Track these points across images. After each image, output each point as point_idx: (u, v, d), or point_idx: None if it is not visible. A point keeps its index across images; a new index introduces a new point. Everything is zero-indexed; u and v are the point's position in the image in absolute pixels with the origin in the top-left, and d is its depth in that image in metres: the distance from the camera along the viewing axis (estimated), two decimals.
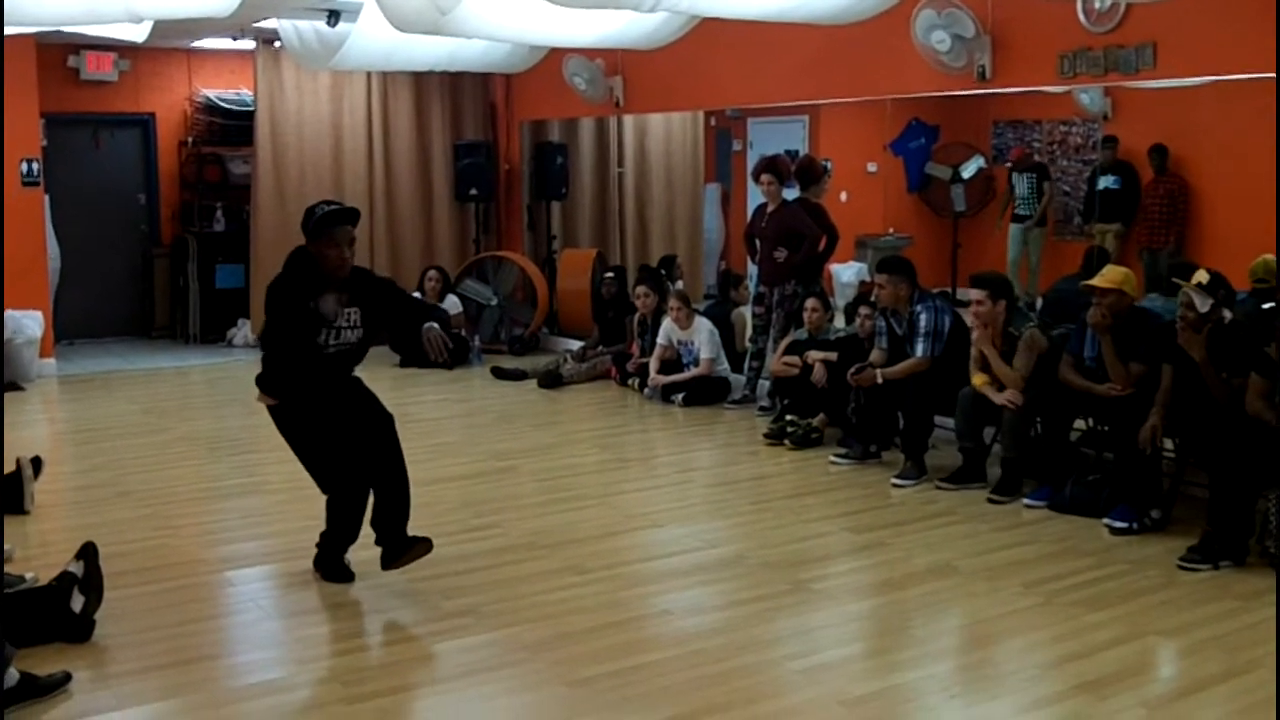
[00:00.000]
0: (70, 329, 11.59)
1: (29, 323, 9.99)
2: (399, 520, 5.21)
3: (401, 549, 5.19)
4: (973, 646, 4.77)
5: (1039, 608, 4.97)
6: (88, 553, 4.76)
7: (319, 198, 11.26)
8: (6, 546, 5.57)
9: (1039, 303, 10.79)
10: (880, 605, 5.17)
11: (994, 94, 8.09)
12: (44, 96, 10.43)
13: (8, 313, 9.90)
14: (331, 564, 5.31)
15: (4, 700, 3.98)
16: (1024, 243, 11.82)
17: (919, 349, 6.97)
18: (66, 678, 4.21)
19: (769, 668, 4.39)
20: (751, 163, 10.07)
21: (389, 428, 5.22)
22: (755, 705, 4.08)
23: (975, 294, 6.52)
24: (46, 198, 10.84)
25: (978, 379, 6.56)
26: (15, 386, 9.80)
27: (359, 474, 5.19)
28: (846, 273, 12.12)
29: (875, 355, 7.19)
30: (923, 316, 6.97)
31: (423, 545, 5.20)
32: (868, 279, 11.28)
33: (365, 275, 5.37)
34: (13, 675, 4.03)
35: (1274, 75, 5.91)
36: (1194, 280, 5.65)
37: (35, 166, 10.12)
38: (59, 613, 4.61)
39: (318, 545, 5.37)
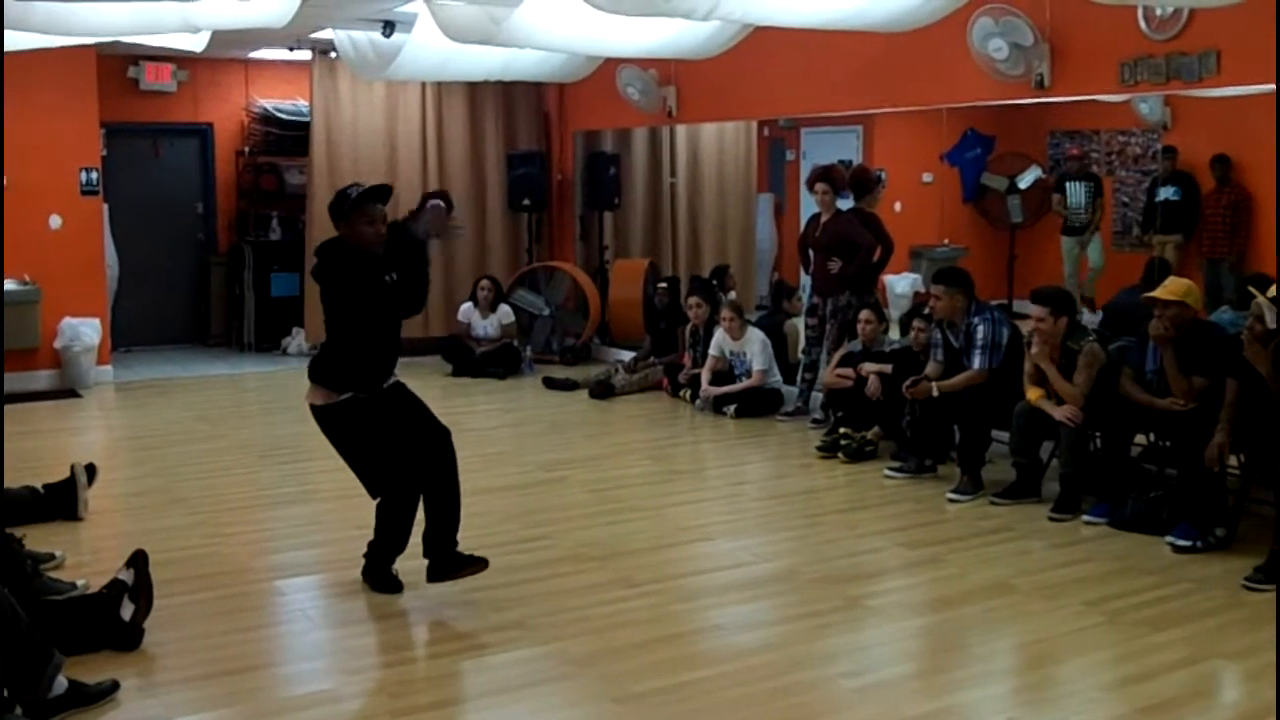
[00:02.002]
0: (128, 336, 11.69)
1: (86, 330, 10.08)
2: (449, 533, 5.18)
3: (454, 566, 5.17)
4: (1031, 667, 4.66)
5: (1099, 628, 4.86)
6: (138, 561, 4.76)
7: None
8: (58, 553, 5.62)
9: (1085, 315, 10.65)
10: (936, 623, 5.07)
11: (1052, 103, 7.95)
12: (104, 106, 10.53)
13: (66, 320, 10.01)
14: (380, 574, 5.28)
15: (53, 708, 3.98)
16: (1078, 255, 11.66)
17: (976, 361, 6.86)
18: (115, 686, 4.21)
19: (821, 685, 4.32)
20: (805, 173, 10.00)
21: (447, 440, 5.19)
22: None
23: (1036, 310, 6.39)
24: (106, 207, 10.95)
25: (1033, 393, 6.44)
26: (73, 393, 9.89)
27: (413, 480, 5.16)
28: (901, 284, 12.01)
29: (931, 368, 7.08)
30: (980, 329, 6.86)
31: (478, 565, 5.19)
32: (922, 290, 11.18)
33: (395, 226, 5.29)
34: (61, 683, 4.02)
35: None
36: (1269, 293, 5.50)
37: (95, 176, 10.21)
38: (109, 620, 4.61)
39: (365, 555, 5.34)
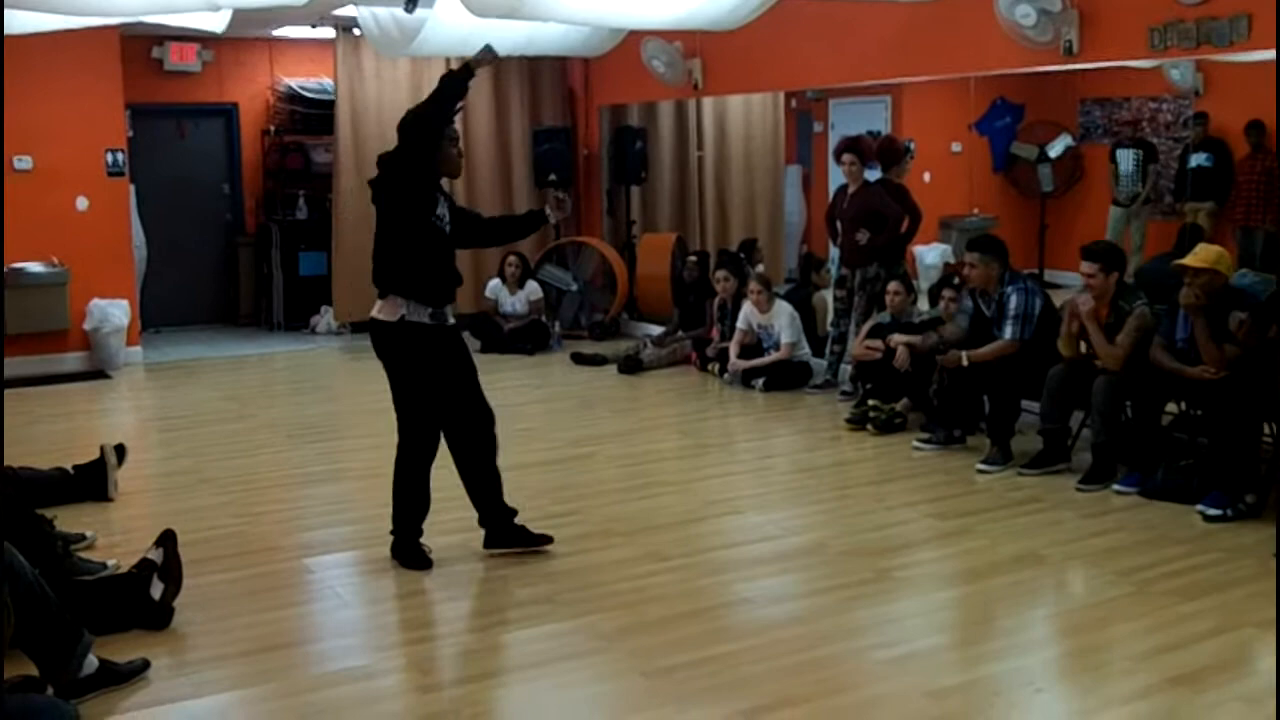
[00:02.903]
0: (157, 317, 11.74)
1: (115, 311, 10.13)
2: (496, 499, 5.32)
3: (516, 539, 5.32)
4: (1061, 637, 4.62)
5: (1130, 597, 4.82)
6: (167, 540, 4.78)
7: None
8: (88, 534, 5.65)
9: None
10: (965, 594, 5.04)
11: (1081, 70, 7.84)
12: (129, 88, 10.56)
13: (94, 301, 10.06)
14: (409, 550, 5.29)
15: (83, 687, 4.00)
16: (1124, 229, 11.51)
17: (1008, 331, 6.80)
18: (145, 665, 4.22)
19: (851, 658, 4.29)
20: (833, 144, 9.92)
21: (489, 422, 5.31)
22: (837, 696, 3.99)
23: (1087, 267, 6.30)
24: (133, 188, 10.99)
25: (1065, 348, 6.37)
26: (102, 375, 9.95)
27: (434, 431, 5.21)
28: (930, 255, 11.94)
29: (949, 329, 7.02)
30: (1013, 299, 6.78)
31: (540, 540, 5.33)
32: (952, 261, 11.10)
33: None
34: (91, 662, 4.04)
35: None
36: None
37: (120, 157, 10.24)
38: (139, 600, 4.63)
39: (392, 533, 5.34)
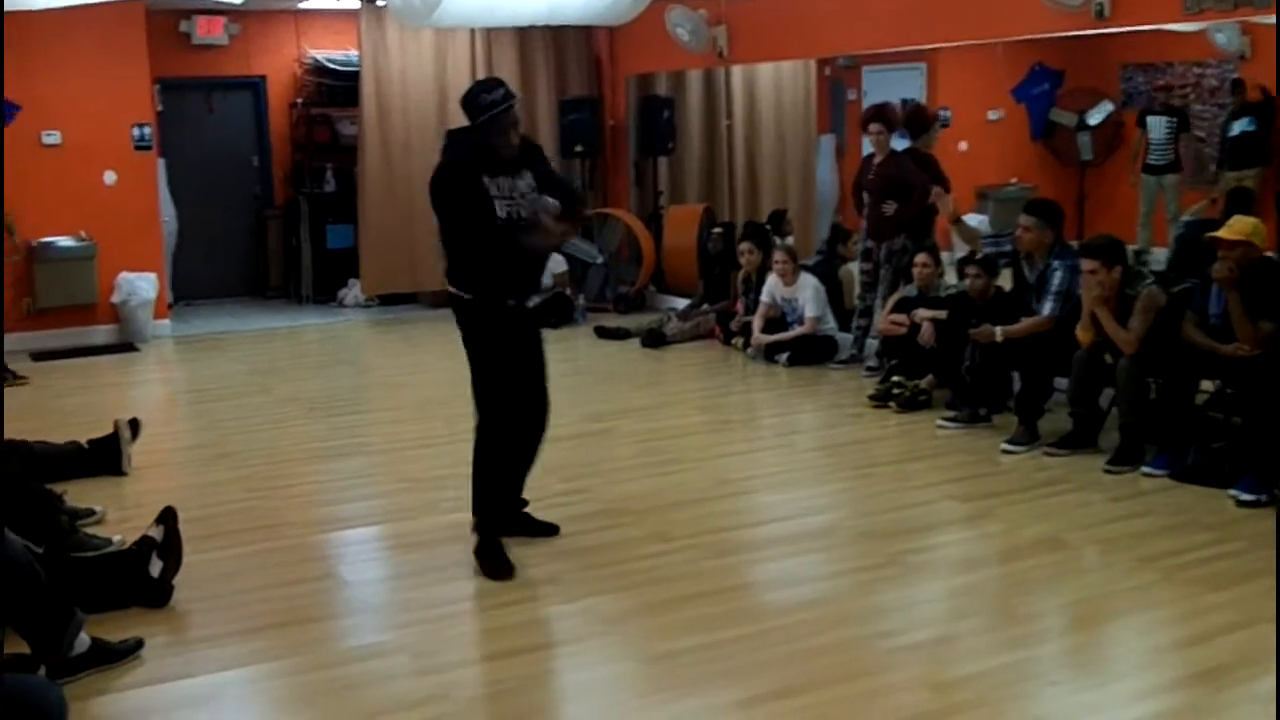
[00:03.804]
0: (188, 290, 11.76)
1: (143, 285, 10.12)
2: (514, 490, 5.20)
3: (523, 526, 5.18)
4: (1079, 627, 4.48)
5: (1153, 586, 4.66)
6: (167, 517, 4.73)
7: (424, 158, 11.37)
8: (98, 508, 5.61)
9: (1151, 257, 10.29)
10: (982, 580, 4.90)
11: (1115, 33, 7.60)
12: (158, 62, 10.53)
13: (122, 275, 10.05)
14: (495, 553, 4.91)
15: (75, 666, 3.96)
16: (1156, 194, 11.26)
17: (1046, 307, 6.58)
18: (139, 644, 4.18)
19: (857, 646, 4.17)
20: None
21: (543, 412, 5.18)
22: (838, 686, 3.86)
23: (1088, 264, 6.12)
24: (162, 161, 10.97)
25: (1084, 336, 6.21)
26: (131, 347, 9.95)
27: (512, 413, 5.01)
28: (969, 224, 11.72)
29: (974, 277, 6.87)
30: (1057, 274, 6.55)
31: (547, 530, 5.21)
32: (989, 231, 10.89)
33: (529, 143, 5.14)
34: (83, 641, 4.00)
35: None
36: None
37: (147, 131, 10.19)
38: (138, 578, 4.59)
39: (474, 530, 5.00)
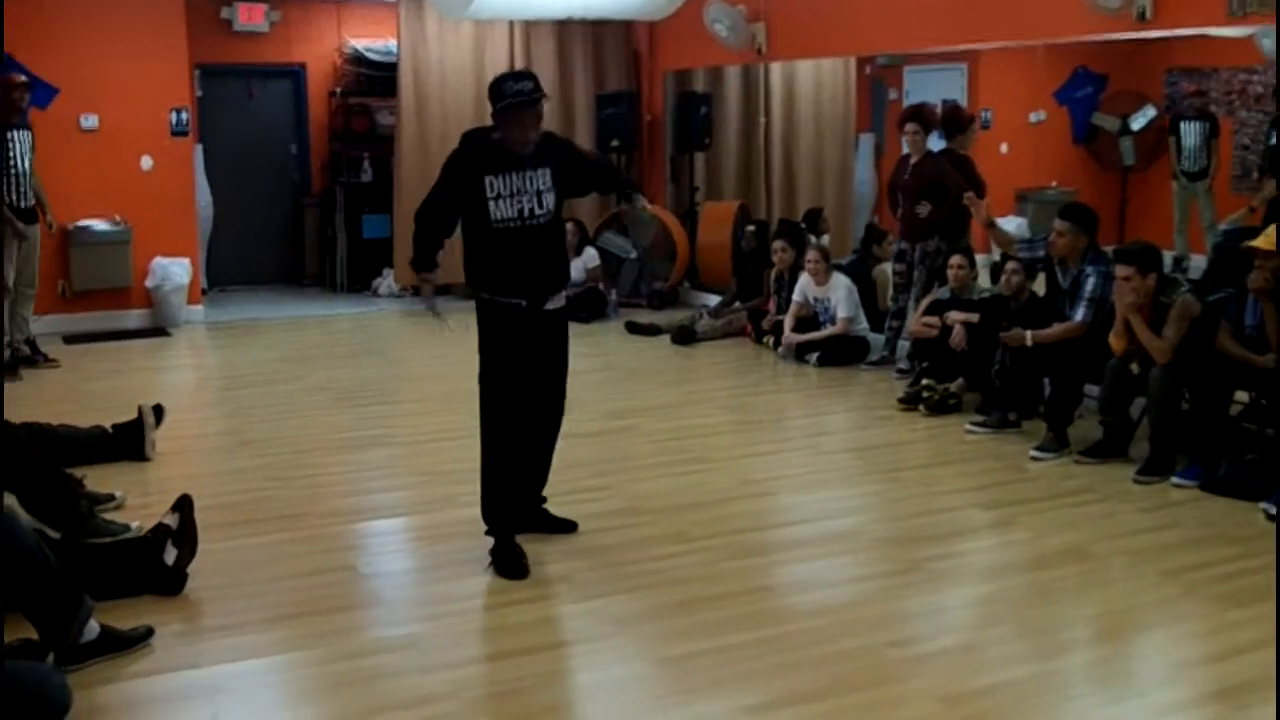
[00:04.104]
0: (223, 277, 11.81)
1: (177, 270, 10.16)
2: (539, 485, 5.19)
3: (541, 523, 5.14)
4: (1099, 641, 4.39)
5: (1177, 600, 4.58)
6: (183, 505, 4.72)
7: None
8: (118, 494, 5.62)
9: (1190, 264, 10.12)
10: (1001, 590, 4.80)
11: (1158, 38, 7.48)
12: (198, 48, 10.59)
13: (157, 260, 10.09)
14: (508, 553, 4.85)
15: (84, 654, 3.95)
16: (1189, 201, 11.10)
17: (1079, 313, 6.50)
18: (149, 632, 4.16)
19: (868, 654, 4.10)
20: None
21: (557, 411, 5.14)
22: (846, 695, 3.80)
23: (1123, 270, 6.02)
24: (200, 147, 11.01)
25: (1118, 344, 6.11)
26: (163, 332, 9.99)
27: (512, 415, 4.90)
28: (1006, 228, 11.57)
29: (1012, 273, 6.80)
30: (1090, 280, 6.47)
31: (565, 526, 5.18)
32: (1028, 235, 10.76)
33: (552, 138, 4.99)
34: (92, 629, 3.98)
35: None
36: None
37: (185, 117, 10.23)
38: (152, 565, 4.57)
39: (487, 533, 4.94)
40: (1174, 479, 5.89)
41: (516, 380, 4.87)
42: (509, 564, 4.81)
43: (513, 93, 4.69)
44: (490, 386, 4.88)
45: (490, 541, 4.90)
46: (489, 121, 4.86)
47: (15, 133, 8.35)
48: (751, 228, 10.27)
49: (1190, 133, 11.00)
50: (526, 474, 5.10)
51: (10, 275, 8.34)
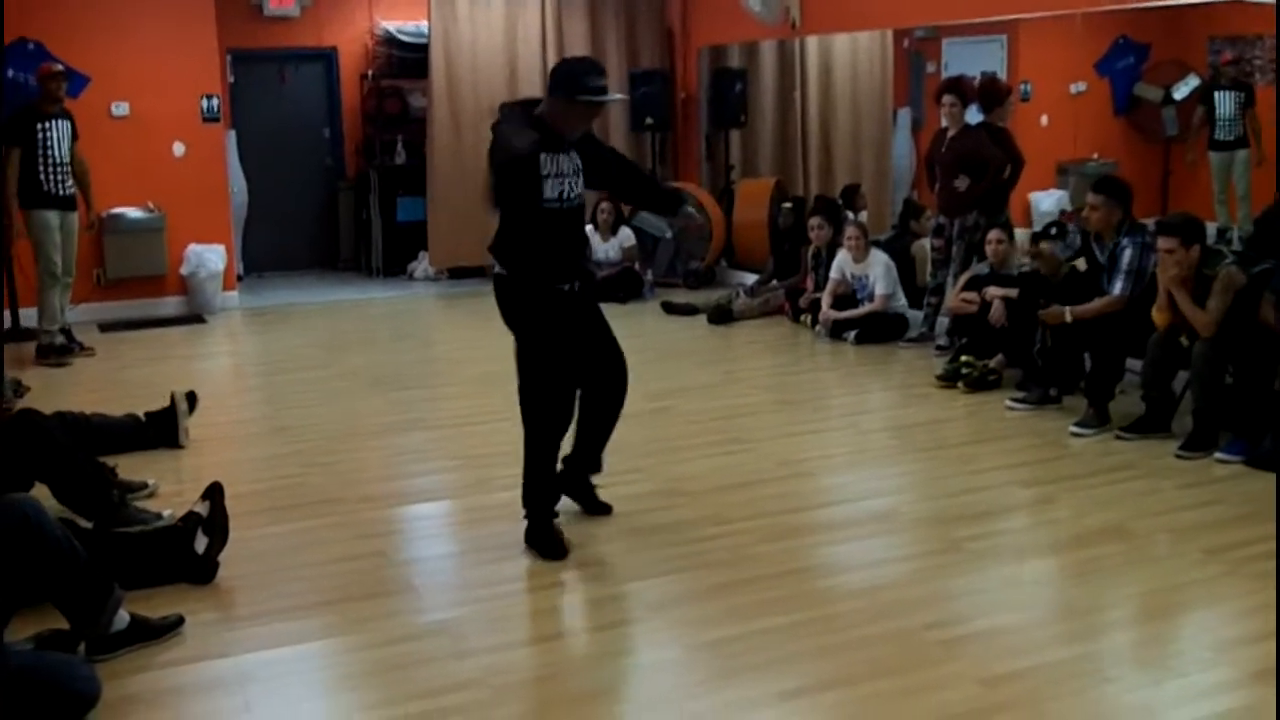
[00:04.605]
0: (259, 262, 11.83)
1: (211, 257, 10.17)
2: (588, 460, 5.17)
3: (583, 497, 5.14)
4: (1139, 621, 4.31)
5: (1220, 578, 4.48)
6: (214, 493, 4.71)
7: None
8: (150, 481, 5.62)
9: (1235, 234, 9.92)
10: (1040, 569, 4.73)
11: (1201, 4, 7.31)
12: (230, 33, 10.58)
13: (191, 247, 10.11)
14: (546, 534, 4.84)
15: (115, 643, 3.94)
16: (1228, 171, 10.88)
17: (1117, 286, 6.39)
18: (179, 621, 4.15)
19: (905, 637, 4.03)
20: None
21: (622, 371, 5.13)
22: (884, 679, 3.74)
23: (1165, 242, 5.90)
24: (233, 133, 11.02)
25: (1160, 318, 5.99)
26: (199, 319, 10.01)
27: (559, 403, 4.86)
28: (1046, 201, 11.41)
29: (1056, 247, 6.66)
30: (1127, 252, 6.37)
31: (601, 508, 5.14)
32: (1068, 209, 10.60)
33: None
34: (123, 618, 3.97)
35: None
36: None
37: (216, 103, 10.22)
38: (183, 554, 4.56)
39: (525, 517, 4.91)
40: (1217, 455, 5.79)
41: (571, 365, 4.83)
42: (549, 545, 4.78)
43: (595, 88, 4.65)
44: (542, 372, 4.80)
45: (520, 525, 4.87)
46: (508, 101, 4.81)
47: (53, 122, 8.39)
48: (788, 205, 10.17)
49: (1224, 102, 10.78)
50: (585, 449, 5.12)
51: (58, 262, 8.42)
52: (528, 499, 4.87)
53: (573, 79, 4.65)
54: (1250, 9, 9.38)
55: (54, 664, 3.54)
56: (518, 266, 4.74)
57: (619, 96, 4.52)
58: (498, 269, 4.82)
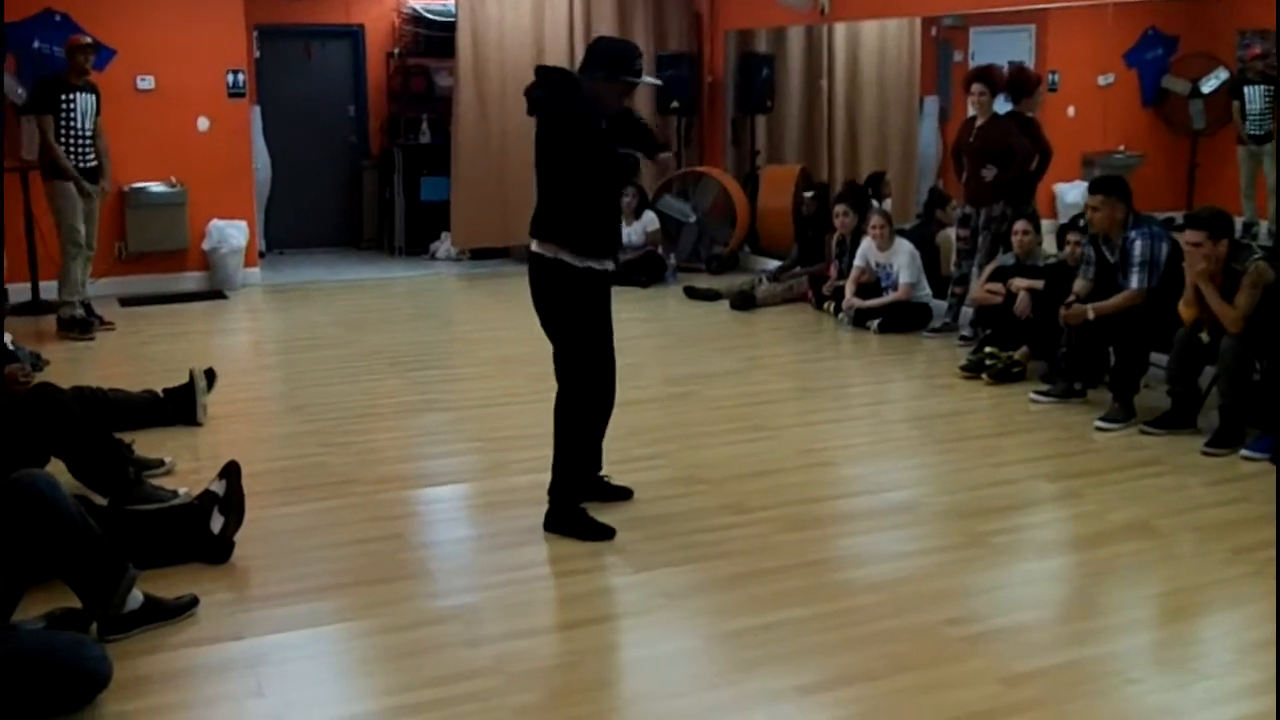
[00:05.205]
0: (282, 239, 11.82)
1: (233, 232, 10.15)
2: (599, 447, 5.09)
3: (599, 492, 5.03)
4: (1164, 621, 4.25)
5: (1246, 578, 4.41)
6: (230, 472, 4.67)
7: (519, 111, 11.17)
8: (167, 459, 5.60)
9: (1260, 229, 9.81)
10: (1064, 566, 4.68)
11: None
12: (256, 8, 10.52)
13: (213, 222, 10.09)
14: (580, 517, 4.80)
15: (128, 623, 3.91)
16: (1257, 166, 10.76)
17: (1134, 280, 6.33)
18: (194, 602, 4.12)
19: (926, 632, 3.97)
20: None
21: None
22: (903, 675, 3.68)
23: (1192, 235, 5.82)
24: (257, 109, 10.98)
25: (1186, 312, 5.91)
26: (220, 295, 10.00)
27: (604, 376, 4.84)
28: (1072, 193, 11.31)
29: (1079, 284, 6.58)
30: (1137, 244, 6.31)
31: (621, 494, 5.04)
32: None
33: None
34: (136, 598, 3.94)
35: None
36: None
37: (241, 78, 10.19)
38: (198, 533, 4.53)
39: (551, 497, 4.85)
40: (1244, 451, 5.72)
41: (603, 345, 4.82)
42: (594, 528, 4.75)
43: (639, 70, 4.68)
44: (588, 356, 4.76)
45: (540, 509, 4.84)
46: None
47: (78, 94, 8.37)
48: (810, 193, 10.09)
49: (1255, 96, 10.66)
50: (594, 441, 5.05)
51: (82, 231, 8.40)
52: (565, 489, 4.82)
53: (620, 59, 4.65)
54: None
55: (65, 643, 3.51)
56: (578, 243, 4.63)
57: (657, 81, 4.50)
58: (550, 252, 4.66)
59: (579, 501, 4.86)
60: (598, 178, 4.63)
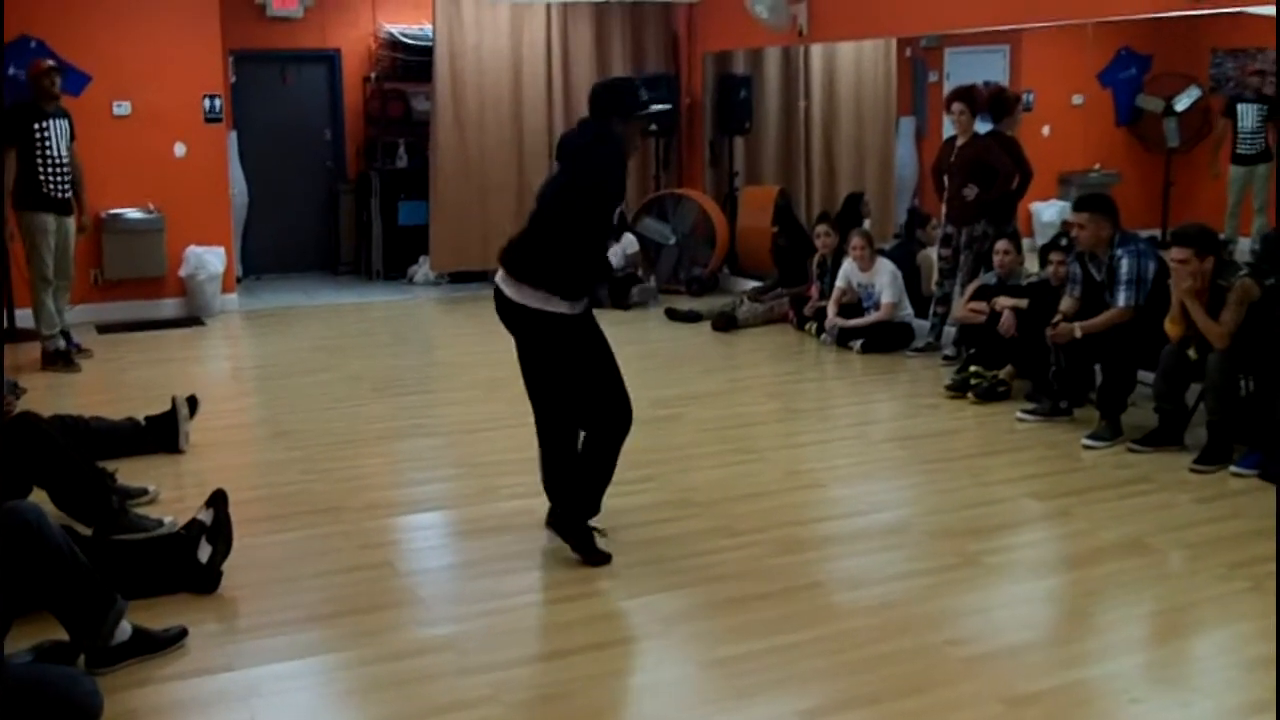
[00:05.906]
0: (258, 264, 11.74)
1: (211, 258, 10.07)
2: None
3: (580, 541, 4.78)
4: (1162, 639, 4.24)
5: (1242, 595, 4.40)
6: (217, 501, 4.61)
7: (498, 133, 11.30)
8: (150, 488, 5.53)
9: (1235, 247, 9.85)
10: (1059, 585, 4.66)
11: (1206, 16, 7.26)
12: (232, 34, 10.48)
13: (190, 248, 10.01)
14: (587, 535, 4.75)
15: (116, 655, 3.85)
16: (1247, 185, 10.81)
17: (1120, 298, 6.34)
18: (183, 633, 4.06)
19: (925, 654, 3.95)
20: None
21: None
22: (905, 699, 3.65)
23: (1179, 252, 5.83)
24: (234, 134, 10.93)
25: (1173, 329, 5.92)
26: (197, 321, 9.92)
27: (622, 408, 4.83)
28: (1048, 211, 11.37)
29: (1066, 303, 6.59)
30: (1124, 262, 6.32)
31: (597, 559, 4.75)
32: (1070, 219, 10.54)
33: None
34: (125, 630, 3.88)
35: None
36: None
37: (218, 103, 10.13)
38: (186, 562, 4.47)
39: (551, 518, 4.89)
40: (1232, 468, 5.73)
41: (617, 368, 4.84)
42: (595, 550, 4.73)
43: (646, 102, 4.68)
44: (609, 389, 4.78)
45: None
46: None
47: (51, 121, 8.22)
48: (776, 229, 10.11)
49: (1248, 115, 10.71)
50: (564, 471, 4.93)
51: (50, 265, 8.26)
52: (586, 515, 4.77)
53: (628, 96, 4.65)
54: (1250, 21, 9.31)
55: (58, 677, 3.44)
56: (571, 289, 4.58)
57: (666, 105, 4.46)
58: (538, 302, 4.55)
59: (590, 518, 4.80)
60: (604, 231, 4.65)
